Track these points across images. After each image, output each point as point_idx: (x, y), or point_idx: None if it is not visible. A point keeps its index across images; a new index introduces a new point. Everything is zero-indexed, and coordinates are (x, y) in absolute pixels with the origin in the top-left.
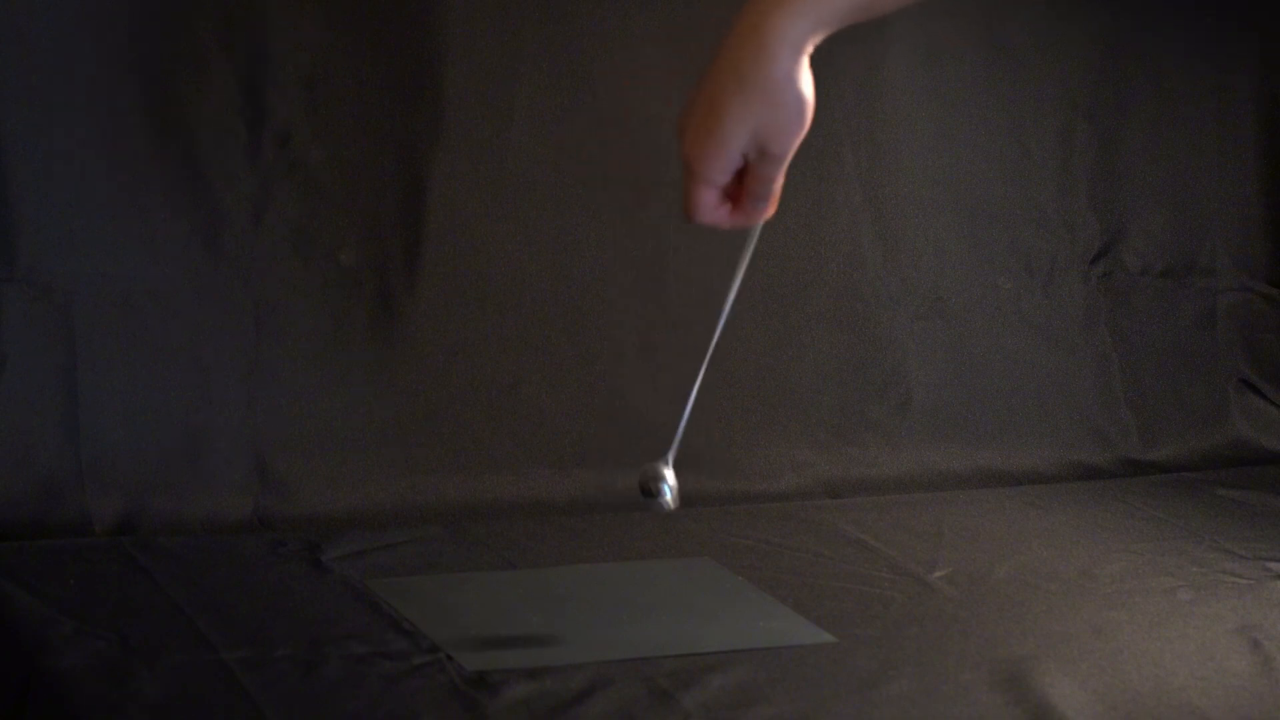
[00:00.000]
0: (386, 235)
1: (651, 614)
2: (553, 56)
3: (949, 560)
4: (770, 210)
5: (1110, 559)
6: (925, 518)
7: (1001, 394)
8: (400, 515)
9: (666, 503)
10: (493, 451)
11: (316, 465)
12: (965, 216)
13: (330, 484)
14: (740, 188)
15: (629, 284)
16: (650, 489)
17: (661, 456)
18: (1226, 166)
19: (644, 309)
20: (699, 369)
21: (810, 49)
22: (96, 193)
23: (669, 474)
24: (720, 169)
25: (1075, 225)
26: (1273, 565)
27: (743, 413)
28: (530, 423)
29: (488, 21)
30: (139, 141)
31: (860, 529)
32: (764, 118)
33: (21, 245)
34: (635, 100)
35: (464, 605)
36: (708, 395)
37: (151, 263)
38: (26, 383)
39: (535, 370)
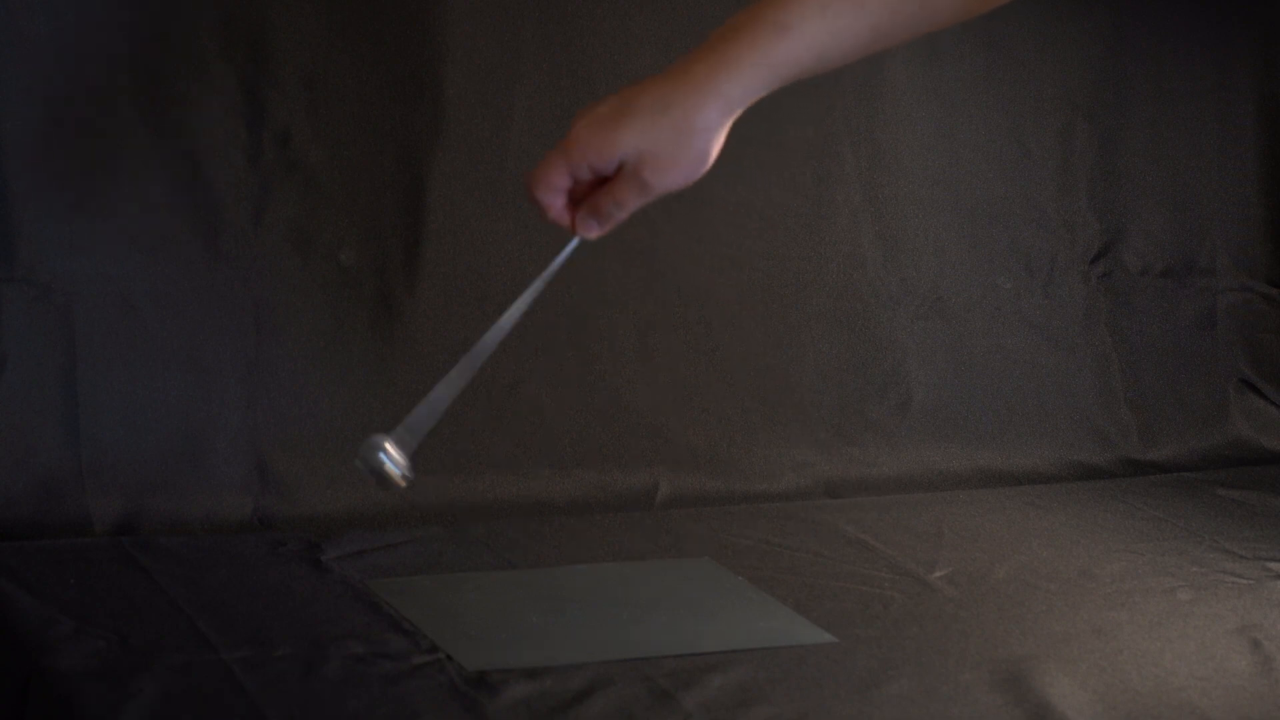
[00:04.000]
0: (386, 235)
1: (651, 614)
2: (553, 56)
3: (949, 560)
4: (595, 233)
5: (1110, 559)
6: (925, 518)
7: (1001, 394)
8: (400, 515)
9: (396, 478)
10: (493, 451)
11: (316, 465)
12: (965, 216)
13: (330, 484)
14: (591, 194)
15: (629, 284)
16: (379, 476)
17: (390, 434)
18: (1226, 166)
19: (644, 309)
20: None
21: (745, 107)
22: (96, 193)
23: (389, 451)
24: (591, 159)
25: (1075, 225)
26: (1273, 565)
27: (743, 413)
28: (530, 423)
29: (488, 21)
30: (139, 141)
31: (860, 529)
32: (662, 146)
33: (21, 245)
34: None
35: (464, 605)
36: (708, 395)
37: (151, 263)
38: (26, 383)
39: (535, 370)
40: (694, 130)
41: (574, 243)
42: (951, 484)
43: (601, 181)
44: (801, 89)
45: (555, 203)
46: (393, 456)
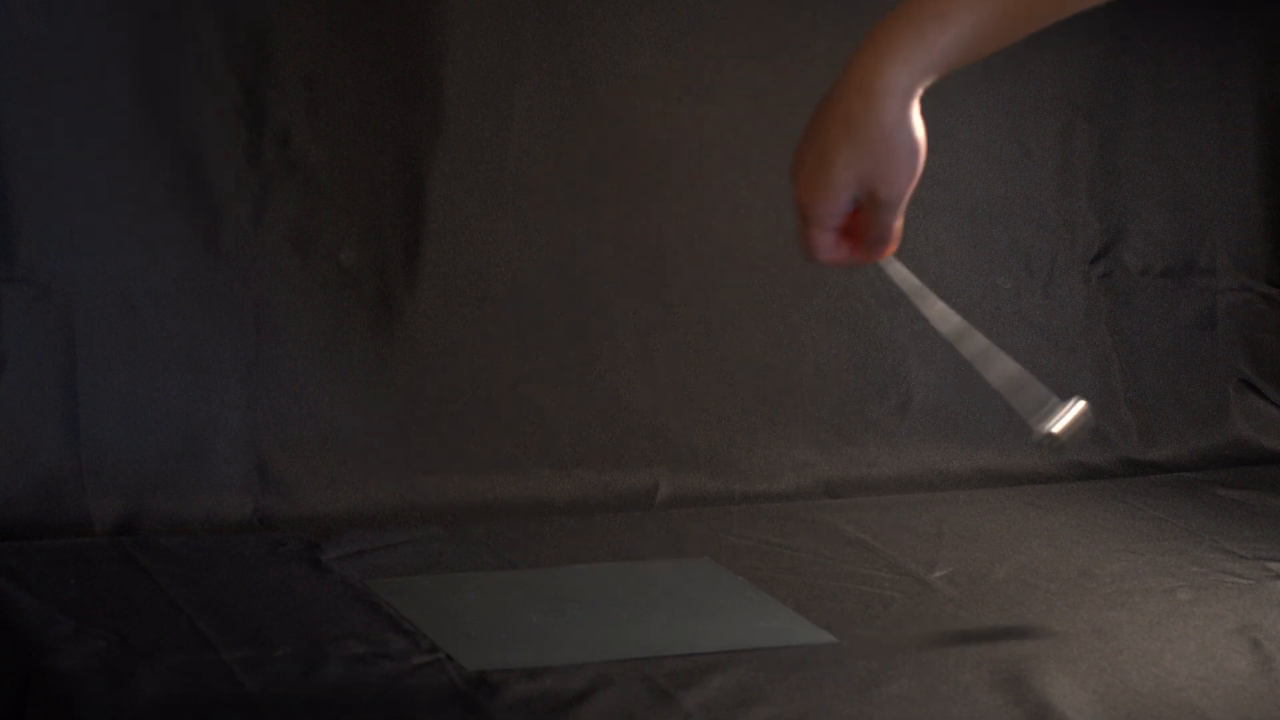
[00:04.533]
0: (386, 235)
1: (651, 614)
2: (553, 56)
3: (949, 560)
4: (890, 249)
5: (1110, 559)
6: (925, 518)
7: (1002, 394)
8: (400, 515)
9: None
10: (493, 451)
11: (316, 465)
12: (965, 216)
13: (330, 484)
14: (858, 228)
15: (629, 284)
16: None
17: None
18: (1226, 166)
19: (644, 309)
20: None
21: (919, 94)
22: (96, 193)
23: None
24: (830, 214)
25: (1075, 225)
26: (1273, 565)
27: (743, 413)
28: (530, 423)
29: (488, 21)
30: (139, 142)
31: (860, 529)
32: (873, 166)
33: (21, 245)
34: (635, 100)
35: (464, 605)
36: (708, 395)
37: (151, 263)
38: (26, 383)
39: (535, 370)
40: (888, 137)
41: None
42: (951, 484)
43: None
44: (802, 89)
45: (840, 254)
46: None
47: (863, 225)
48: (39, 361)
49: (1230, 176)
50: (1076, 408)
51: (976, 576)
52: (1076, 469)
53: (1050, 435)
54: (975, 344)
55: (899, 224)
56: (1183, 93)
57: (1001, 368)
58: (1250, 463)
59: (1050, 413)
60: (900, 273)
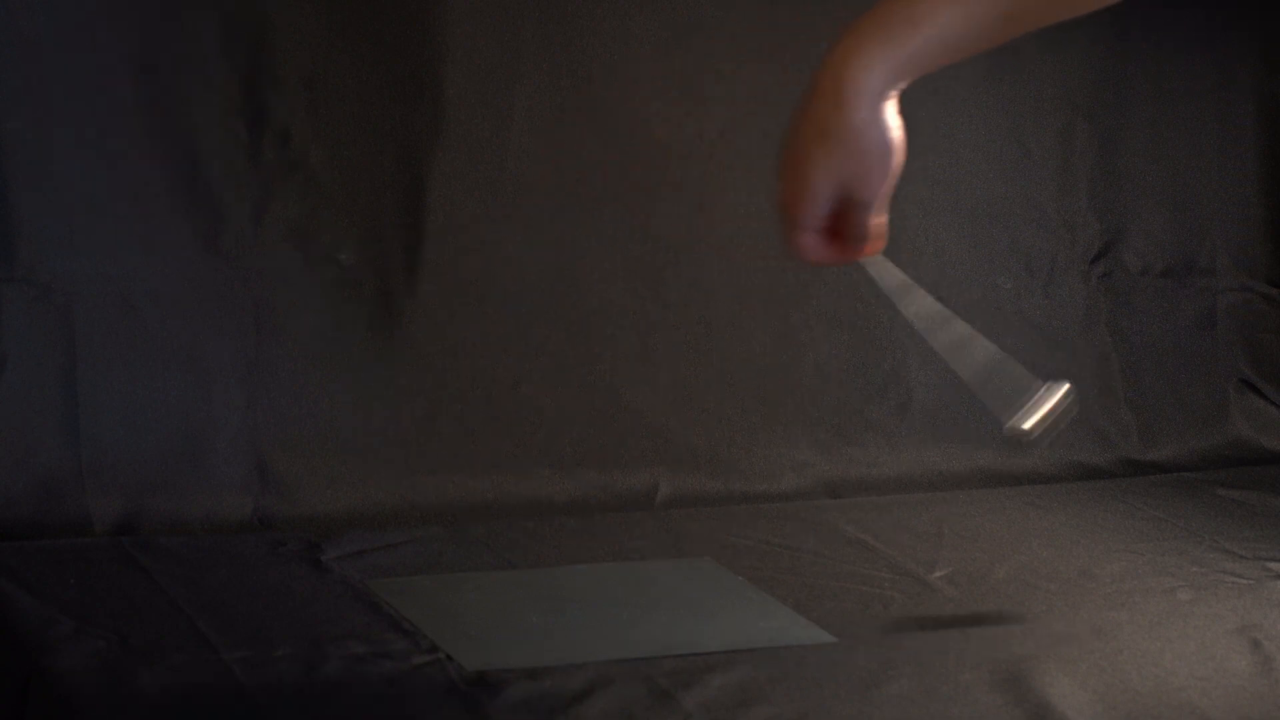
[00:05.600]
0: (386, 235)
1: (651, 614)
2: (553, 56)
3: (949, 560)
4: (875, 247)
5: (1110, 559)
6: (925, 518)
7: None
8: (400, 515)
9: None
10: (493, 451)
11: (316, 465)
12: (965, 216)
13: (330, 484)
14: (841, 230)
15: (629, 284)
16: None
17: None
18: (1226, 166)
19: (644, 309)
20: None
21: (893, 97)
22: (96, 193)
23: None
24: (810, 216)
25: (1075, 225)
26: (1273, 565)
27: (743, 413)
28: (530, 423)
29: (488, 21)
30: (139, 141)
31: (860, 529)
32: (847, 168)
33: (21, 245)
34: (635, 100)
35: (464, 605)
36: (708, 395)
37: (151, 263)
38: (26, 383)
39: (535, 370)
40: (859, 138)
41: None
42: (951, 484)
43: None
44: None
45: (826, 254)
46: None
47: (845, 224)
48: (39, 361)
49: (1230, 176)
50: (1054, 397)
51: (976, 576)
52: (1076, 469)
53: (1020, 431)
54: (956, 331)
55: (881, 221)
56: (1183, 93)
57: (983, 355)
58: (1250, 463)
59: (1026, 405)
60: (884, 269)
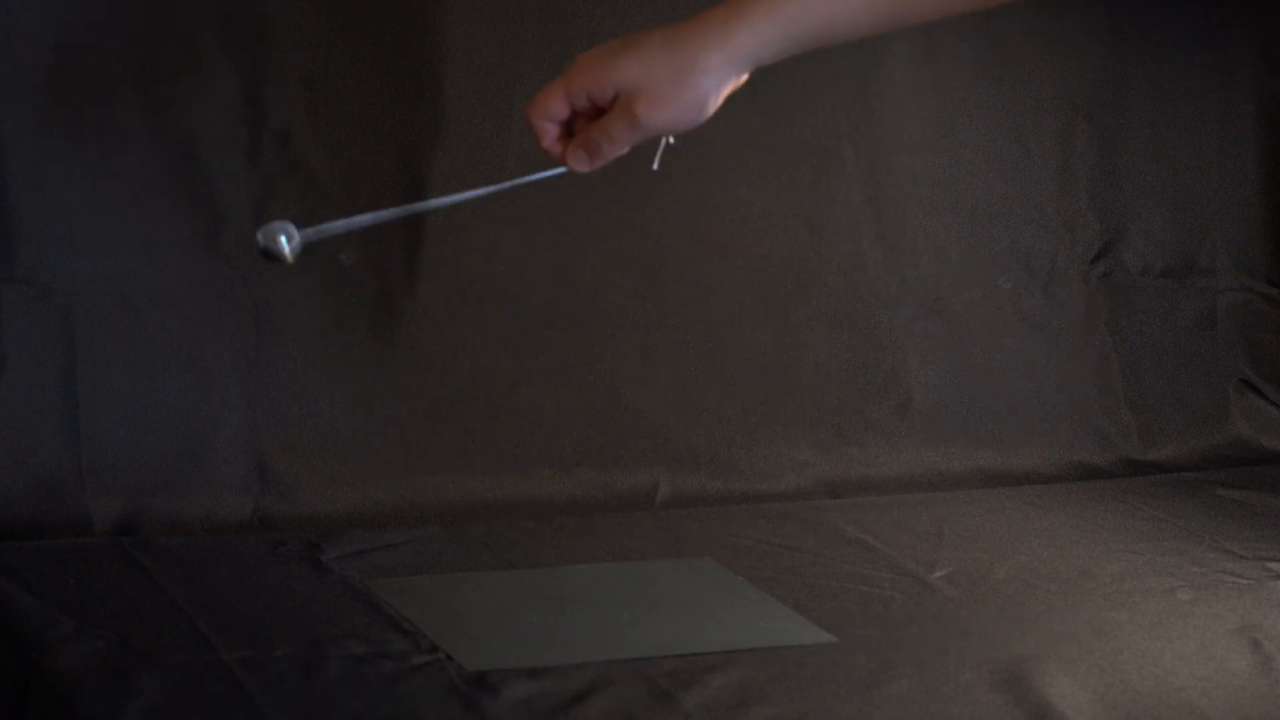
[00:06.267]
0: (386, 235)
1: (651, 614)
2: (553, 56)
3: (949, 560)
4: (585, 167)
5: (1110, 559)
6: (925, 518)
7: (1001, 394)
8: (400, 515)
9: (285, 255)
10: (493, 451)
11: (316, 465)
12: (965, 216)
13: (330, 484)
14: (583, 129)
15: (629, 284)
16: (271, 250)
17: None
18: (1226, 166)
19: (644, 309)
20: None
21: (746, 71)
22: (96, 193)
23: (288, 232)
24: (588, 85)
25: (1075, 225)
26: (1273, 565)
27: (743, 413)
28: (530, 423)
29: (488, 21)
30: (139, 141)
31: (860, 529)
32: (660, 82)
33: (21, 245)
34: None
35: (464, 605)
36: (708, 395)
37: (151, 263)
38: (26, 383)
39: (535, 370)
40: (695, 70)
41: (559, 170)
42: (951, 484)
43: (600, 115)
44: (802, 87)
45: (550, 130)
46: (292, 239)
47: (591, 126)
48: (39, 361)
49: (1230, 176)
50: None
51: (976, 576)
52: (1076, 469)
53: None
54: (409, 209)
55: (615, 151)
56: (1183, 93)
57: (368, 216)
58: (1250, 463)
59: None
60: (541, 176)
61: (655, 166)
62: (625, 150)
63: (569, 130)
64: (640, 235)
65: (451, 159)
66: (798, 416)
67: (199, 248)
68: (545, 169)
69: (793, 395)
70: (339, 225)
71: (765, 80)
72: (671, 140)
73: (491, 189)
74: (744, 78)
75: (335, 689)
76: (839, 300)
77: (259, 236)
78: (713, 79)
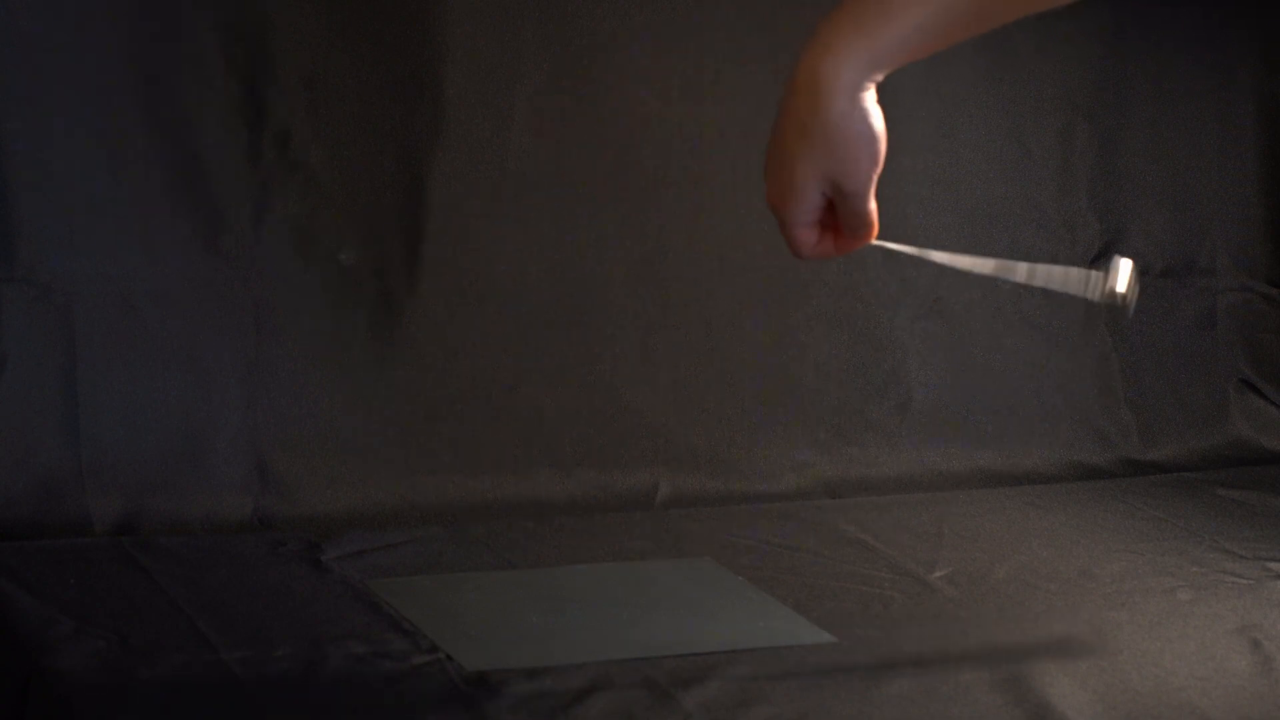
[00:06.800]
0: (386, 235)
1: (651, 614)
2: (553, 56)
3: (949, 560)
4: (871, 235)
5: (1110, 559)
6: (925, 518)
7: (1001, 394)
8: (400, 515)
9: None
10: (493, 451)
11: (316, 465)
12: (965, 216)
13: (330, 484)
14: (836, 220)
15: (629, 284)
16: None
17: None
18: (1226, 166)
19: (644, 309)
20: None
21: (871, 88)
22: (96, 193)
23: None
24: (802, 212)
25: (1075, 225)
26: (1273, 565)
27: (743, 413)
28: (530, 423)
29: (488, 21)
30: (139, 141)
31: (860, 529)
32: (831, 162)
33: (21, 245)
34: (635, 100)
35: (464, 605)
36: (708, 395)
37: (151, 263)
38: (26, 383)
39: (535, 370)
40: (837, 131)
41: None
42: (951, 484)
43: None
44: None
45: (825, 248)
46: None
47: (838, 217)
48: (39, 361)
49: (1230, 176)
50: (1124, 267)
51: (976, 576)
52: (1076, 469)
53: (1117, 294)
54: (991, 261)
55: (872, 208)
56: (1183, 93)
57: (1026, 265)
58: (1250, 463)
59: (1100, 278)
60: (892, 247)
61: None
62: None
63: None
64: (640, 235)
65: (451, 159)
66: (798, 416)
67: (199, 248)
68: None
69: (793, 395)
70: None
71: (766, 80)
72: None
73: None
74: (873, 86)
75: (335, 689)
76: (839, 300)
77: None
78: (855, 118)
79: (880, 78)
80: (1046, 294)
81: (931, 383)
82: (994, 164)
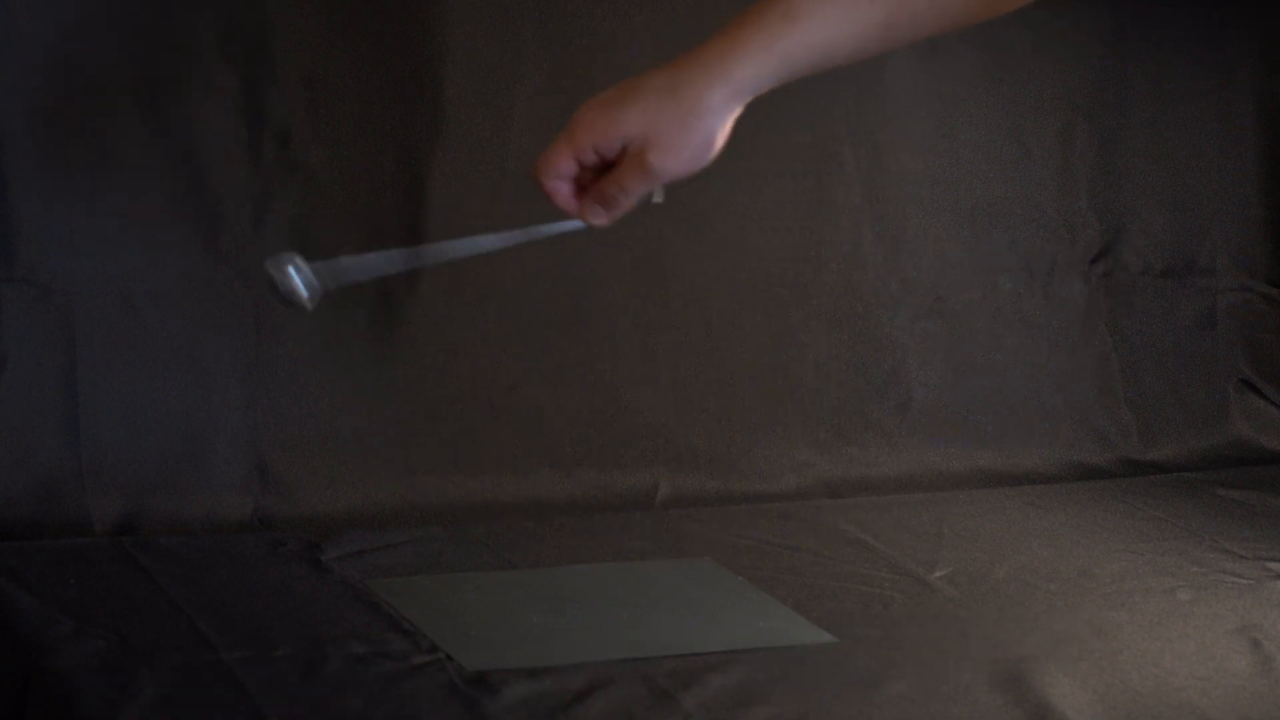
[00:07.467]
0: (386, 235)
1: (651, 614)
2: (553, 56)
3: (949, 560)
4: (603, 220)
5: (1110, 559)
6: (925, 518)
7: (1001, 394)
8: (400, 515)
9: (303, 298)
10: (493, 451)
11: (316, 465)
12: (965, 216)
13: (330, 484)
14: (595, 182)
15: (629, 284)
16: (289, 297)
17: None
18: (1226, 166)
19: (644, 309)
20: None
21: (747, 99)
22: (96, 193)
23: (296, 269)
24: (595, 140)
25: (1075, 225)
26: (1273, 565)
27: (743, 413)
28: (530, 423)
29: (488, 21)
30: (139, 142)
31: (860, 529)
32: (667, 128)
33: (21, 245)
34: None
35: (464, 605)
36: (708, 395)
37: (151, 263)
38: (26, 383)
39: (535, 370)
40: (700, 112)
41: (579, 225)
42: (951, 484)
43: (608, 167)
44: (802, 89)
45: (562, 189)
46: (305, 276)
47: (604, 180)
48: (39, 361)
49: (1230, 176)
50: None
51: (976, 576)
52: (1076, 469)
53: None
54: (429, 253)
55: (630, 201)
56: (1183, 93)
57: (380, 259)
58: (1250, 463)
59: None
60: (560, 229)
61: (659, 199)
62: (641, 198)
63: (578, 183)
64: (640, 235)
65: (451, 159)
66: (798, 416)
67: (199, 248)
68: (561, 218)
69: (793, 395)
70: (349, 265)
71: None
72: (659, 199)
73: (507, 237)
74: (742, 108)
75: (335, 689)
76: (839, 300)
77: (277, 279)
78: (718, 117)
79: (763, 90)
80: (1047, 294)
81: (931, 383)
82: (994, 164)
